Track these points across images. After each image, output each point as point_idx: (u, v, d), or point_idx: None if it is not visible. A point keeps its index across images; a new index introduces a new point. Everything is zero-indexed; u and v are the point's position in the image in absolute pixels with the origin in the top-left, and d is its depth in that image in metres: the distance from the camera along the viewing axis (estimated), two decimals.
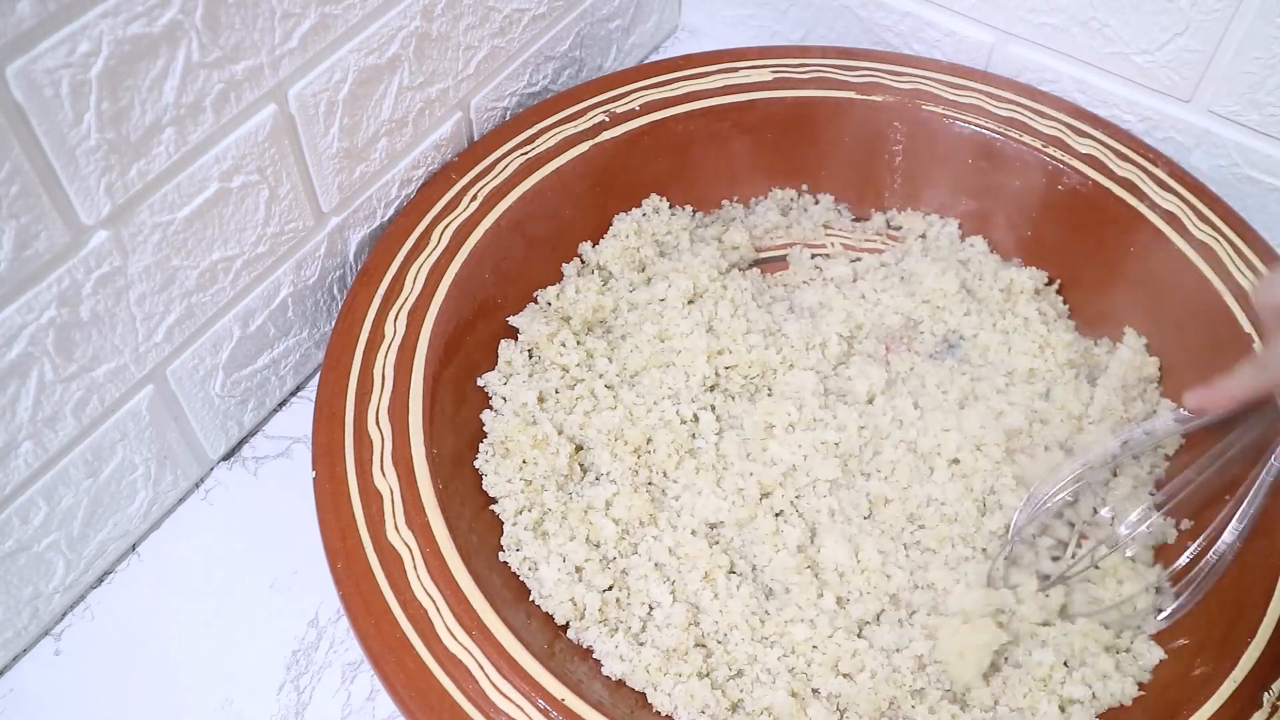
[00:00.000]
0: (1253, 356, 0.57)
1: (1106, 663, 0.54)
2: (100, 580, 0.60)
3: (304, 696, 0.56)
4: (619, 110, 0.71)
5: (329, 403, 0.57)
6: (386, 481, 0.54)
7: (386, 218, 0.67)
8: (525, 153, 0.68)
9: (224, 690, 0.56)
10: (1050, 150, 0.70)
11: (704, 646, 0.55)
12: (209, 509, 0.63)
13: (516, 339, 0.65)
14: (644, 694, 0.53)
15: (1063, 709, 0.53)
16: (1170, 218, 0.66)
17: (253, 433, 0.66)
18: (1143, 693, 0.54)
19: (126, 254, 0.50)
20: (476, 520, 0.57)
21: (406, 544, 0.53)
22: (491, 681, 0.49)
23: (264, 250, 0.59)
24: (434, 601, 0.51)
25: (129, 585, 0.60)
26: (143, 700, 0.55)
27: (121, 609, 0.59)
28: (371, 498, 0.54)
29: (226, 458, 0.65)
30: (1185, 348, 0.65)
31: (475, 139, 0.71)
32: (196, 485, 0.63)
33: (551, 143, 0.69)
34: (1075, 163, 0.69)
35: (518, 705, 0.48)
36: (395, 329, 0.60)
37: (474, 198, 0.65)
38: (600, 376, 0.63)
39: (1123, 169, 0.69)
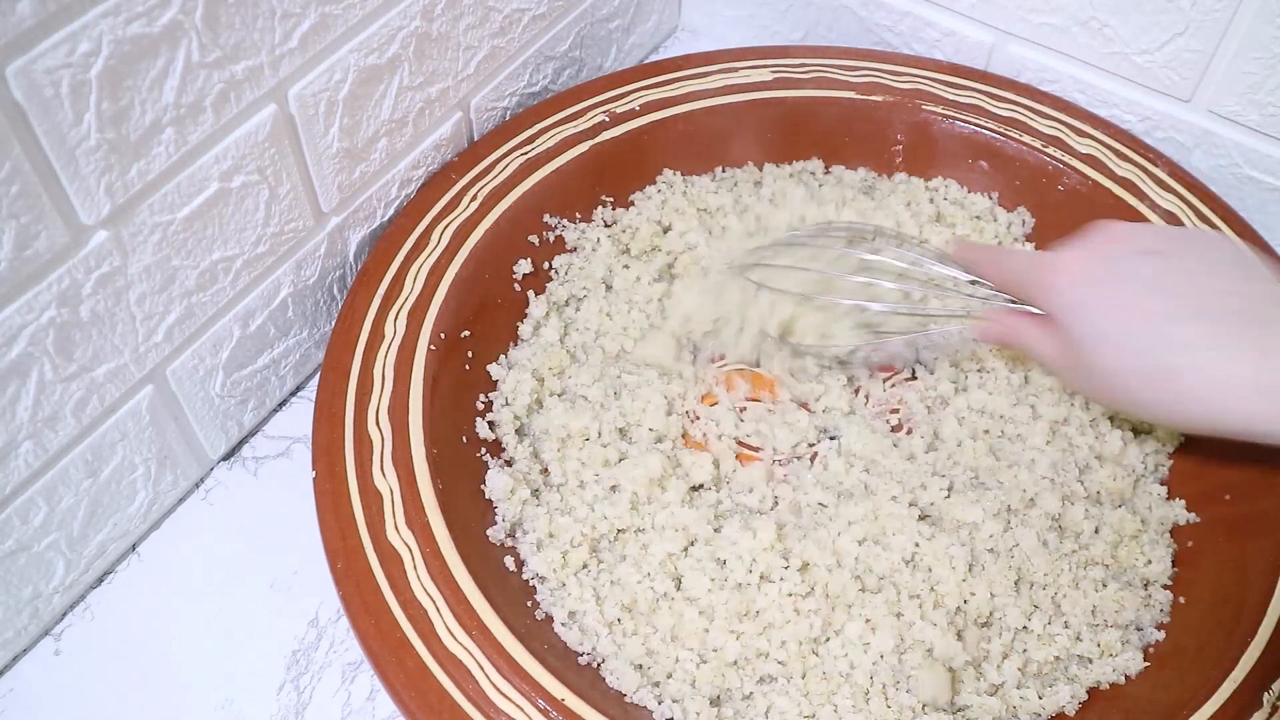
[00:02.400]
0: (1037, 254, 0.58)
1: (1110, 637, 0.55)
2: (100, 580, 0.60)
3: (304, 696, 0.56)
4: (619, 110, 0.71)
5: (329, 403, 0.57)
6: (386, 482, 0.55)
7: (386, 218, 0.67)
8: (525, 153, 0.68)
9: (224, 690, 0.56)
10: (1050, 150, 0.70)
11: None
12: (209, 509, 0.63)
13: (518, 336, 0.66)
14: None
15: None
16: (1170, 218, 0.66)
17: (253, 433, 0.66)
18: (1139, 690, 0.54)
19: (126, 254, 0.50)
20: (475, 512, 0.58)
21: (406, 544, 0.53)
22: (491, 682, 0.49)
23: (264, 250, 0.59)
24: (434, 601, 0.51)
25: (129, 585, 0.60)
26: (143, 700, 0.55)
27: (121, 609, 0.59)
28: (371, 498, 0.54)
29: (226, 458, 0.65)
30: None
31: (475, 139, 0.71)
32: (196, 485, 0.63)
33: (551, 143, 0.69)
34: (1075, 163, 0.70)
35: (518, 705, 0.48)
36: (395, 329, 0.60)
37: (474, 198, 0.65)
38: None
39: (1123, 169, 0.69)
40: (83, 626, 0.58)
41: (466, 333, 0.63)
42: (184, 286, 0.55)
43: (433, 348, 0.60)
